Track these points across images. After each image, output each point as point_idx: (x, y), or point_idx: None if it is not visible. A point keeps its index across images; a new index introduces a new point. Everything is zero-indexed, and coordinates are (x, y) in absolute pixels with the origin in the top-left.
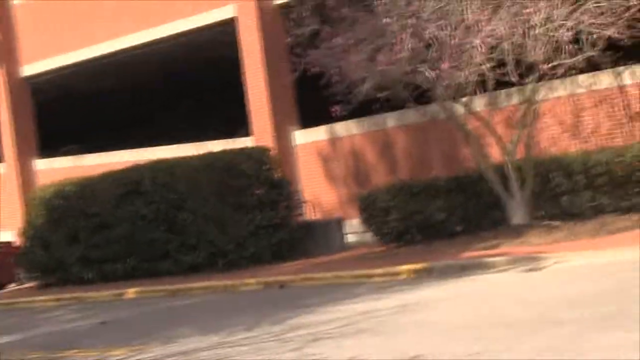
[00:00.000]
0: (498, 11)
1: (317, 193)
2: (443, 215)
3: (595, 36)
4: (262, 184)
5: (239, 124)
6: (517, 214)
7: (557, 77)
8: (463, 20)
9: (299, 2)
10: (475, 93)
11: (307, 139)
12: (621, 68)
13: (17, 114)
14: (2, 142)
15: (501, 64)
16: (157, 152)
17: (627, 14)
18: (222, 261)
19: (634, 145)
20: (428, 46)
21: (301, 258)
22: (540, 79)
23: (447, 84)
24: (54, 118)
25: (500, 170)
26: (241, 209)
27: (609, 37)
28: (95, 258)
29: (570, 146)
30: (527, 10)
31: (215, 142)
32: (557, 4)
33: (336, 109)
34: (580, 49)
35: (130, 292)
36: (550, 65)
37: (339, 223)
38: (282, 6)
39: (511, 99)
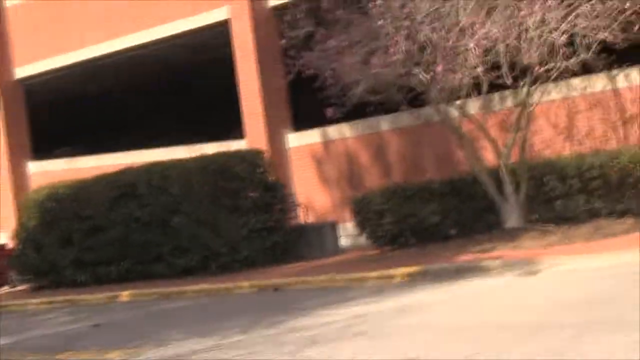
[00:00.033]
0: (492, 14)
1: (311, 196)
2: (437, 219)
3: (589, 39)
4: (256, 187)
5: (232, 127)
6: (512, 218)
7: (552, 80)
8: (457, 23)
9: (293, 4)
10: (469, 96)
11: (300, 141)
12: (615, 71)
13: (10, 116)
14: None
15: (495, 66)
16: (151, 155)
17: (621, 17)
18: (215, 264)
19: (628, 149)
20: (422, 49)
21: (295, 261)
22: (535, 82)
23: (442, 86)
24: (47, 120)
25: (494, 173)
26: (235, 212)
27: (604, 40)
28: (88, 261)
29: (564, 149)
30: (522, 13)
31: (209, 144)
32: (552, 7)
33: (330, 112)
34: (575, 52)
35: (124, 294)
36: (544, 68)
37: (332, 226)
38: (276, 8)
39: (505, 102)
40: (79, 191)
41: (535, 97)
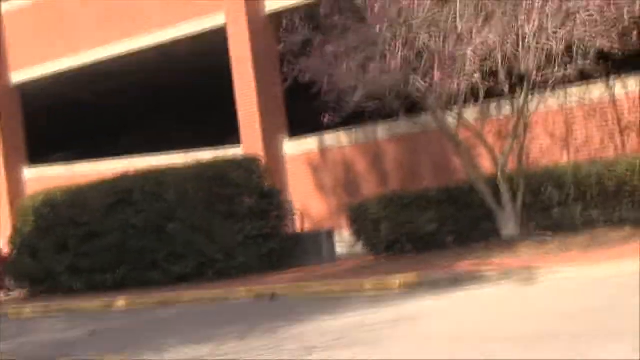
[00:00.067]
0: (490, 20)
1: (307, 203)
2: (434, 227)
3: (587, 47)
4: (252, 194)
5: (229, 133)
6: (508, 226)
7: (549, 88)
8: (455, 30)
9: (290, 10)
10: (466, 103)
11: (296, 149)
12: (613, 79)
13: (6, 122)
14: None
15: (493, 73)
16: (146, 161)
17: (619, 25)
18: (211, 271)
19: (626, 157)
20: (419, 55)
21: (291, 269)
22: (532, 89)
23: (439, 93)
24: (44, 126)
25: (491, 181)
26: (231, 218)
27: (601, 48)
28: (84, 267)
29: (561, 158)
30: (520, 20)
31: (205, 150)
32: (550, 14)
33: (326, 118)
34: (573, 60)
35: (120, 301)
36: (542, 75)
37: (329, 234)
38: (273, 14)
39: (503, 109)
40: (74, 197)
41: (533, 104)
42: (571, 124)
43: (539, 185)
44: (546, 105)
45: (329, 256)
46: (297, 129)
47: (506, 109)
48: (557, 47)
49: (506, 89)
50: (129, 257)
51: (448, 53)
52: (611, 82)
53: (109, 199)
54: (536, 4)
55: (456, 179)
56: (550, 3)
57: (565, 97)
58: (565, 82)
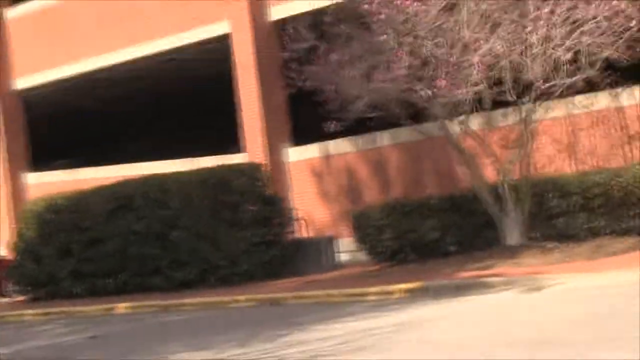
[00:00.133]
0: (496, 29)
1: (310, 211)
2: (437, 235)
3: (594, 56)
4: (255, 201)
5: (232, 140)
6: (512, 235)
7: (555, 97)
8: (461, 38)
9: (295, 18)
10: (471, 112)
11: (299, 156)
12: (619, 89)
13: (9, 128)
14: None
15: (499, 82)
16: (149, 167)
17: (626, 35)
18: (214, 277)
19: (632, 167)
20: (425, 64)
21: (293, 276)
22: (538, 98)
23: (444, 102)
24: (46, 132)
25: (495, 190)
26: (235, 226)
27: (608, 58)
28: (87, 272)
29: (566, 167)
30: (527, 29)
31: (208, 158)
32: (557, 23)
33: (330, 126)
34: (579, 69)
35: (121, 307)
36: (548, 84)
37: (330, 241)
38: (277, 22)
39: (507, 118)
40: (77, 202)
41: (538, 113)
42: (577, 133)
43: (543, 194)
44: (552, 114)
45: (331, 263)
46: (301, 136)
47: (511, 117)
48: (564, 56)
49: (512, 97)
50: (130, 263)
51: (454, 61)
52: (617, 92)
53: (111, 204)
54: (543, 13)
55: (459, 187)
56: (557, 12)
57: (571, 106)
58: (572, 91)
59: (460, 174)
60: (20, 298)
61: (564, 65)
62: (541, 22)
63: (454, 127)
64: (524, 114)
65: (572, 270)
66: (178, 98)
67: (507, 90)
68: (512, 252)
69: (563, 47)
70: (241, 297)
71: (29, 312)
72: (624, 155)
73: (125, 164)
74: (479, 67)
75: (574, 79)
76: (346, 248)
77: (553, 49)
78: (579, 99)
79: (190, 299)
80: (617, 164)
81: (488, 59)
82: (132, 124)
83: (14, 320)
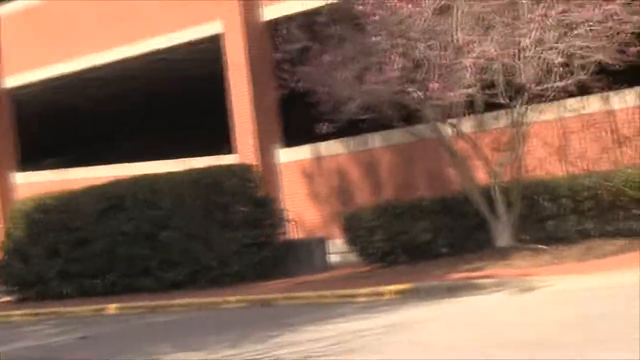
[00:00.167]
0: (489, 32)
1: (301, 212)
2: (428, 236)
3: (586, 60)
4: (247, 202)
5: (223, 141)
6: (503, 237)
7: (546, 100)
8: (454, 41)
9: (288, 18)
10: (463, 114)
11: (291, 157)
12: (610, 93)
13: None
14: None
15: (491, 85)
16: (139, 168)
17: (618, 39)
18: (205, 278)
19: (621, 170)
20: (417, 66)
21: (284, 277)
22: (530, 101)
23: (436, 104)
24: (36, 131)
25: (486, 192)
26: (226, 227)
27: (600, 62)
28: (74, 272)
29: (557, 170)
30: (519, 32)
31: (199, 158)
32: (549, 27)
33: (322, 127)
34: (571, 73)
35: (111, 307)
36: (540, 87)
37: (321, 242)
38: (269, 23)
39: (499, 121)
40: (66, 202)
41: (530, 116)
42: (568, 137)
43: (534, 196)
44: (543, 118)
45: (322, 264)
46: (292, 137)
47: (503, 120)
48: (557, 59)
49: (504, 100)
50: (118, 263)
51: (446, 64)
52: (609, 96)
53: (101, 204)
54: (536, 16)
55: (451, 189)
56: (551, 14)
57: (563, 110)
58: (563, 94)
59: (451, 176)
60: (8, 298)
61: (556, 68)
62: (534, 25)
63: (446, 129)
64: (515, 117)
65: (562, 272)
66: (170, 98)
67: (499, 93)
68: (502, 254)
69: (555, 50)
70: (232, 298)
71: (17, 313)
72: (614, 158)
73: (116, 164)
74: (471, 69)
75: (565, 82)
76: (337, 249)
77: (545, 51)
78: (571, 102)
79: (181, 300)
80: (607, 167)
81: (481, 62)
82: (124, 124)
83: (1, 320)
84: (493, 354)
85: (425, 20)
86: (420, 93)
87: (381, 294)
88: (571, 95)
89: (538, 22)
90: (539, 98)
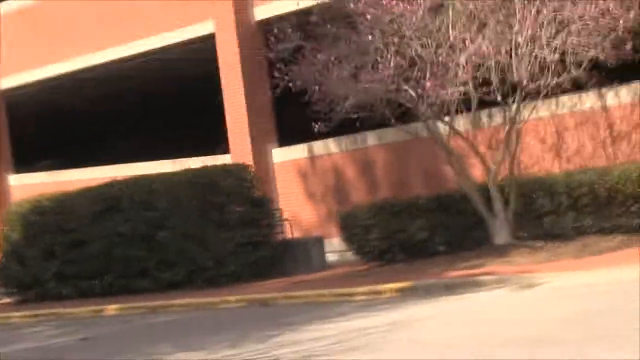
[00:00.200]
0: (483, 30)
1: (296, 211)
2: (425, 234)
3: (580, 56)
4: (243, 202)
5: (217, 141)
6: (500, 234)
7: (541, 97)
8: (448, 39)
9: (280, 18)
10: (458, 112)
11: (286, 157)
12: (605, 89)
13: None
14: None
15: (485, 82)
16: (135, 168)
17: (613, 35)
18: (201, 278)
19: (617, 167)
20: (411, 64)
21: (281, 276)
22: (524, 98)
23: (431, 102)
24: (31, 133)
25: (482, 189)
26: (222, 227)
27: (595, 58)
28: (71, 274)
29: (553, 166)
30: (514, 29)
31: (194, 159)
32: (543, 24)
33: (317, 127)
34: (565, 69)
35: (110, 308)
36: (534, 84)
37: (318, 241)
38: (262, 22)
39: (494, 118)
40: (62, 204)
41: (525, 113)
42: (563, 133)
43: (530, 193)
44: (538, 114)
45: (319, 264)
46: (287, 136)
47: (498, 117)
48: (551, 56)
49: (499, 98)
50: (115, 264)
51: (441, 62)
52: (604, 92)
53: (96, 206)
54: (530, 13)
55: (447, 187)
56: (545, 11)
57: (558, 106)
58: (558, 91)
59: (447, 174)
60: (7, 300)
61: (550, 65)
62: (527, 23)
63: (441, 127)
64: (510, 114)
65: (560, 269)
66: (164, 98)
67: (494, 91)
68: (500, 252)
69: (549, 47)
70: (231, 298)
71: (17, 315)
72: (610, 154)
73: (111, 165)
74: (465, 67)
75: (560, 79)
76: (334, 248)
77: (540, 49)
78: (565, 99)
79: (179, 300)
80: (603, 163)
81: (474, 60)
82: (119, 124)
83: (0, 322)
84: (492, 351)
85: (418, 19)
86: (414, 91)
87: (380, 292)
88: (566, 91)
89: (532, 19)
90: (534, 95)
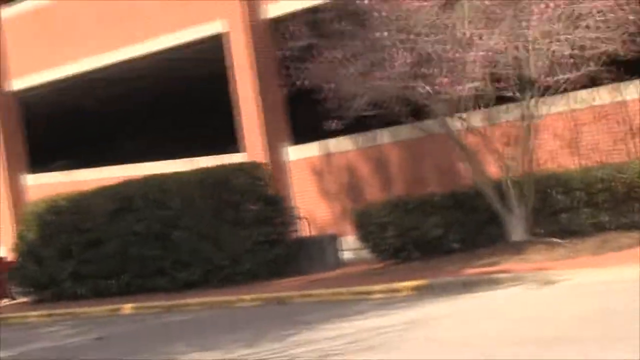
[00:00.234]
0: (497, 25)
1: (311, 209)
2: (440, 232)
3: (596, 51)
4: (257, 200)
5: (231, 140)
6: (516, 231)
7: (557, 93)
8: (463, 34)
9: (292, 15)
10: (473, 108)
11: (299, 155)
12: (622, 83)
13: (7, 129)
14: None
15: (500, 78)
16: (149, 168)
17: (628, 29)
18: (217, 278)
19: (635, 162)
20: (425, 61)
21: (297, 275)
22: (539, 94)
23: (445, 99)
24: (45, 133)
25: (498, 186)
26: (237, 225)
27: (610, 52)
28: (87, 273)
29: (569, 162)
30: (528, 24)
31: (207, 157)
32: (558, 18)
33: (330, 124)
34: (581, 64)
35: (126, 307)
36: (550, 80)
37: (333, 239)
38: (273, 20)
39: (510, 114)
40: (78, 204)
41: (541, 109)
42: (580, 129)
43: (546, 189)
44: (554, 110)
45: (334, 262)
46: (300, 135)
47: (513, 113)
48: (566, 51)
49: (514, 93)
50: (131, 264)
51: (454, 58)
52: (620, 87)
53: (111, 205)
54: (544, 7)
55: (461, 184)
56: (560, 5)
57: (574, 102)
58: (574, 86)
59: (462, 170)
60: (24, 300)
61: (565, 60)
62: (542, 17)
63: (455, 123)
64: (526, 110)
65: (578, 266)
66: (175, 97)
67: (509, 86)
68: (516, 249)
69: (564, 41)
70: (246, 297)
71: (33, 314)
72: (627, 150)
73: (125, 165)
74: (479, 63)
75: (575, 74)
76: (349, 246)
77: (554, 43)
78: (581, 94)
79: (195, 299)
80: (620, 159)
81: (488, 55)
82: (130, 124)
83: (17, 322)
84: (509, 350)
85: (431, 15)
86: (428, 88)
87: (397, 290)
88: (582, 86)
89: (547, 14)
90: (549, 90)
